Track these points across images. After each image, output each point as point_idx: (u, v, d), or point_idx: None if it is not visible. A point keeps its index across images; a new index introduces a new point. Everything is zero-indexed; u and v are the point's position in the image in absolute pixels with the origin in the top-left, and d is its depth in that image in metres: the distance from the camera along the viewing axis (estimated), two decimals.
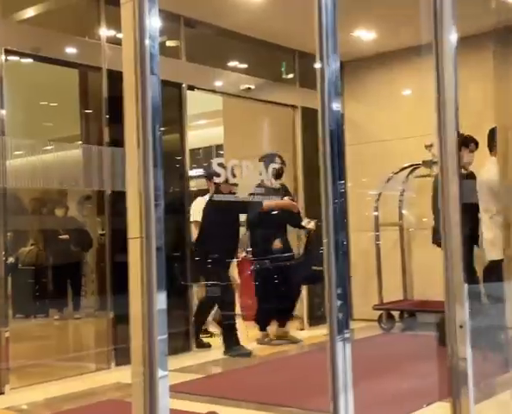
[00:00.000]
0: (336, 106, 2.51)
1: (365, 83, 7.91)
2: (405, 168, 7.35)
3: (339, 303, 2.37)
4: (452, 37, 3.00)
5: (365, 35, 7.20)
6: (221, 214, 6.02)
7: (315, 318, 7.12)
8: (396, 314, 7.26)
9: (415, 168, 7.22)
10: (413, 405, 4.01)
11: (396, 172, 7.41)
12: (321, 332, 6.21)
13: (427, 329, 6.36)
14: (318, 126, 2.49)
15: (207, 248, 6.12)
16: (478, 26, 5.50)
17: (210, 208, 6.21)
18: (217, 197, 5.79)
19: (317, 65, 2.48)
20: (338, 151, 2.49)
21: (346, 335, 2.37)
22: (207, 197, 6.40)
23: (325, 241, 2.42)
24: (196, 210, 6.62)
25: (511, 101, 4.09)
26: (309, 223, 6.51)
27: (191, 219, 6.67)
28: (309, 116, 7.11)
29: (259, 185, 5.89)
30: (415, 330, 7.01)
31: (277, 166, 6.01)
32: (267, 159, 6.25)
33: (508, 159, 4.58)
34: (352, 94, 7.74)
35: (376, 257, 7.53)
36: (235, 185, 5.34)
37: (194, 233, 6.55)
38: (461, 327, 2.79)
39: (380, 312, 7.20)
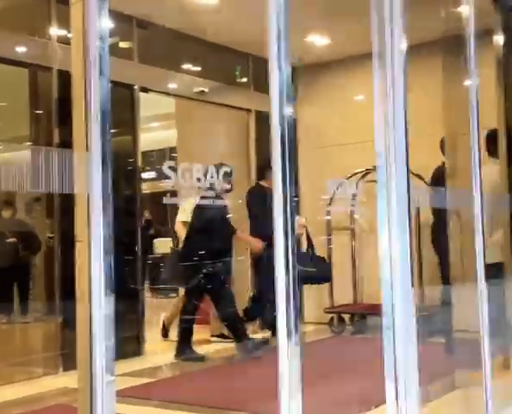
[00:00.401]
0: (288, 110, 2.52)
1: (319, 88, 7.97)
2: (357, 173, 7.43)
3: (288, 307, 2.38)
4: (401, 45, 3.06)
5: (318, 41, 7.26)
6: (209, 216, 5.93)
7: (266, 322, 7.13)
8: (347, 317, 7.34)
9: (367, 173, 7.30)
10: (362, 407, 4.05)
11: (349, 177, 7.48)
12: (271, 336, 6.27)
13: (377, 331, 6.44)
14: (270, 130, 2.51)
15: (194, 251, 6.04)
16: (429, 34, 5.61)
17: (198, 210, 6.08)
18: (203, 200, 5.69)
19: (269, 70, 2.50)
20: (290, 155, 2.51)
21: (296, 339, 2.39)
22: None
23: (276, 244, 2.43)
24: (188, 209, 6.42)
25: (459, 108, 4.18)
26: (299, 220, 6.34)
27: (180, 219, 6.50)
28: (263, 119, 7.13)
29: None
30: (366, 333, 7.09)
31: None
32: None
33: (457, 165, 4.68)
34: (306, 99, 7.79)
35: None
36: (230, 190, 5.28)
37: (181, 234, 6.38)
38: (407, 330, 2.84)
39: (331, 315, 7.26)
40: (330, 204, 7.61)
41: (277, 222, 2.40)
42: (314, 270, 6.02)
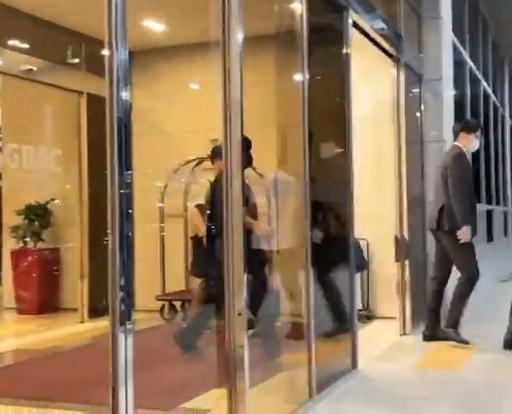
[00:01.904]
0: (125, 95, 2.48)
1: (155, 74, 7.89)
2: (192, 161, 7.47)
3: (121, 294, 2.35)
4: (238, 37, 3.11)
5: (156, 27, 7.20)
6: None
7: (96, 310, 6.97)
8: (178, 304, 7.36)
9: (202, 161, 7.37)
10: (191, 393, 4.09)
11: (183, 165, 7.50)
12: (102, 324, 6.13)
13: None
14: (106, 114, 2.45)
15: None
16: (265, 28, 5.74)
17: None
18: None
19: (105, 53, 2.43)
20: (126, 141, 2.47)
21: (129, 327, 2.36)
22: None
23: (109, 231, 2.38)
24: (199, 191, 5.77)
25: (290, 101, 4.34)
26: None
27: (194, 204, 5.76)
28: (96, 103, 6.93)
29: None
30: None
31: None
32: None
33: (288, 156, 4.85)
34: (142, 84, 7.67)
35: (160, 248, 7.57)
36: None
37: (198, 220, 5.55)
38: (239, 314, 2.92)
39: (162, 303, 7.25)
40: (164, 191, 7.60)
41: (113, 208, 2.36)
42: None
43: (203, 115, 6.63)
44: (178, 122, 7.68)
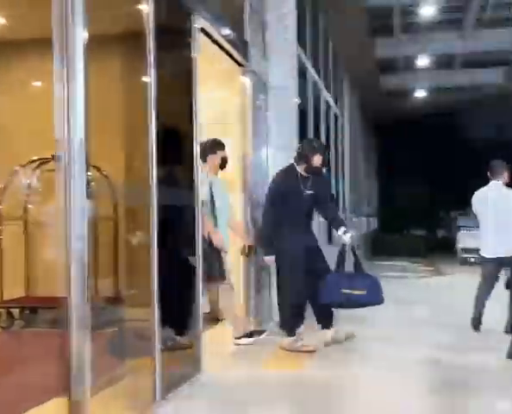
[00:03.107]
0: None
1: None
2: (34, 161, 7.15)
3: None
4: (82, 35, 3.03)
5: None
6: None
7: None
8: (16, 311, 7.02)
9: (45, 162, 7.07)
10: (29, 404, 3.90)
11: (24, 165, 7.16)
12: None
13: (49, 325, 6.30)
14: None
15: None
16: (110, 28, 5.65)
17: None
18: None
19: None
20: None
21: None
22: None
23: None
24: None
25: (136, 103, 4.30)
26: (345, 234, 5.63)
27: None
28: None
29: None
30: (38, 327, 6.88)
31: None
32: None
33: (134, 158, 4.80)
34: None
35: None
36: None
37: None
38: (81, 320, 2.84)
39: None
40: (3, 193, 7.21)
41: None
42: (363, 293, 5.37)
43: (48, 114, 6.39)
44: (20, 120, 7.32)
